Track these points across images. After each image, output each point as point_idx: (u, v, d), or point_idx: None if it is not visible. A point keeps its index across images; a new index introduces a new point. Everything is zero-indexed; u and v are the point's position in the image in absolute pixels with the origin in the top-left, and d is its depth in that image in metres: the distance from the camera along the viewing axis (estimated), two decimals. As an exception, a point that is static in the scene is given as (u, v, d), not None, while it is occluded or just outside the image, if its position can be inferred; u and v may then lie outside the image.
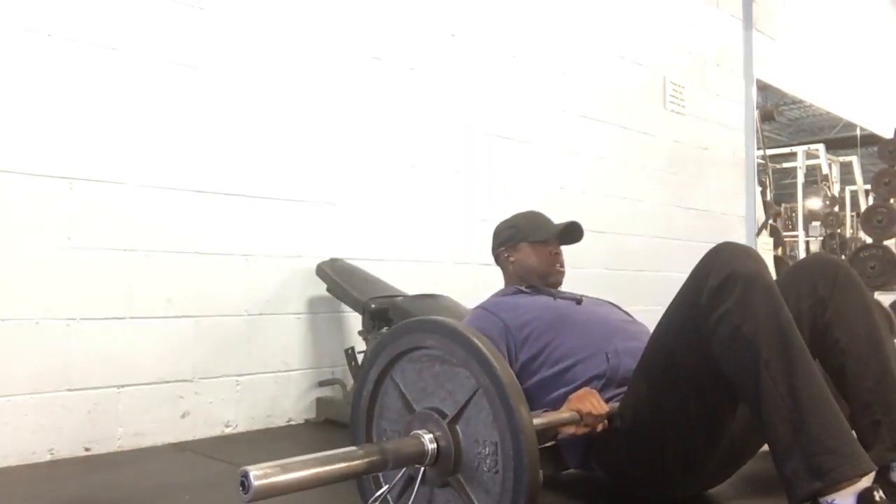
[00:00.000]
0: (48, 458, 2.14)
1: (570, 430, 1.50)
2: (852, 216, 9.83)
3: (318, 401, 2.77)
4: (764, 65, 5.46)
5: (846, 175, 9.94)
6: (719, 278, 1.39)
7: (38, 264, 2.16)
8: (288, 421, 2.70)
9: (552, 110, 3.82)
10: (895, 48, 7.92)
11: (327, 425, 2.69)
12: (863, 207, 7.67)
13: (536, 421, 1.34)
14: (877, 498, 1.23)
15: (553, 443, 1.60)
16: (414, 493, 1.30)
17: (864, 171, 9.54)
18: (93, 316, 2.25)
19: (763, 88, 5.99)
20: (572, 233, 2.05)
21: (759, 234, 5.39)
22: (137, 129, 2.36)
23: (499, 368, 1.25)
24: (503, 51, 3.59)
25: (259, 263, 2.64)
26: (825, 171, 9.35)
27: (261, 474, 1.08)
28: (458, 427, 1.29)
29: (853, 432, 1.33)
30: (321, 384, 2.77)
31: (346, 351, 2.65)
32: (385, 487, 1.35)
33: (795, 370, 1.31)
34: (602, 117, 4.10)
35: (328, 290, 2.71)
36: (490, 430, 1.25)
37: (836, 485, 1.25)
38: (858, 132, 8.91)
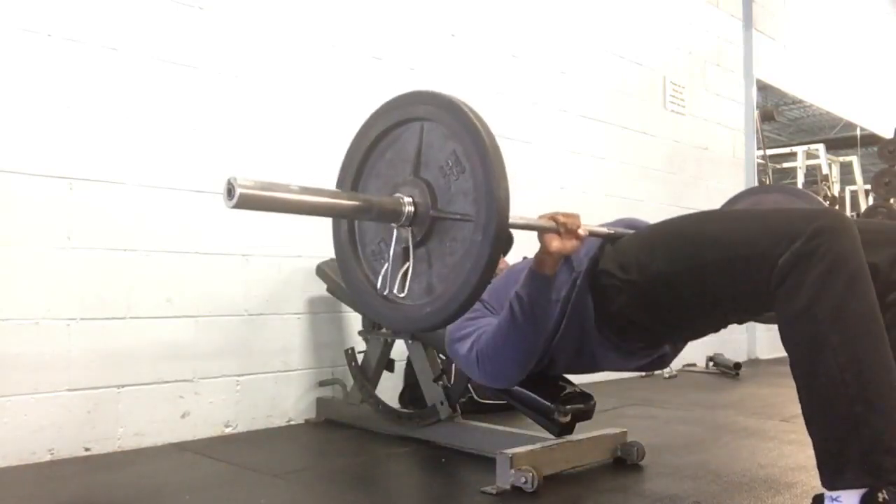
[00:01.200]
0: (48, 458, 2.14)
1: (556, 242, 1.50)
2: (852, 216, 9.82)
3: (318, 401, 2.77)
4: (764, 65, 5.47)
5: (846, 175, 9.94)
6: (809, 245, 1.30)
7: (38, 264, 2.16)
8: (288, 421, 2.70)
9: (552, 110, 3.82)
10: (895, 48, 7.92)
11: (327, 425, 2.69)
12: (863, 207, 7.68)
13: (516, 220, 1.39)
14: (880, 499, 1.23)
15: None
16: (412, 258, 1.35)
17: (864, 171, 9.54)
18: (93, 316, 2.25)
19: (763, 88, 6.00)
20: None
21: (759, 234, 5.39)
22: (137, 129, 2.36)
23: (431, 91, 1.36)
24: (503, 51, 3.59)
25: (259, 263, 2.64)
26: (825, 171, 9.34)
27: (247, 185, 1.11)
28: (421, 174, 1.37)
29: None
30: (321, 384, 2.77)
31: (346, 351, 2.65)
32: (386, 266, 1.40)
33: (868, 360, 1.27)
34: (602, 117, 4.10)
35: (328, 290, 2.71)
36: (446, 146, 1.34)
37: (889, 484, 1.22)
38: (858, 132, 8.91)
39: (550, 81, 3.82)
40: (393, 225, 1.36)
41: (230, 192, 1.10)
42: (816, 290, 1.29)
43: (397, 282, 1.37)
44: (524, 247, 1.78)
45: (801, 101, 7.70)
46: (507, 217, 1.29)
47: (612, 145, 4.15)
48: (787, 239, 1.34)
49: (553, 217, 1.52)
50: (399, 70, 3.10)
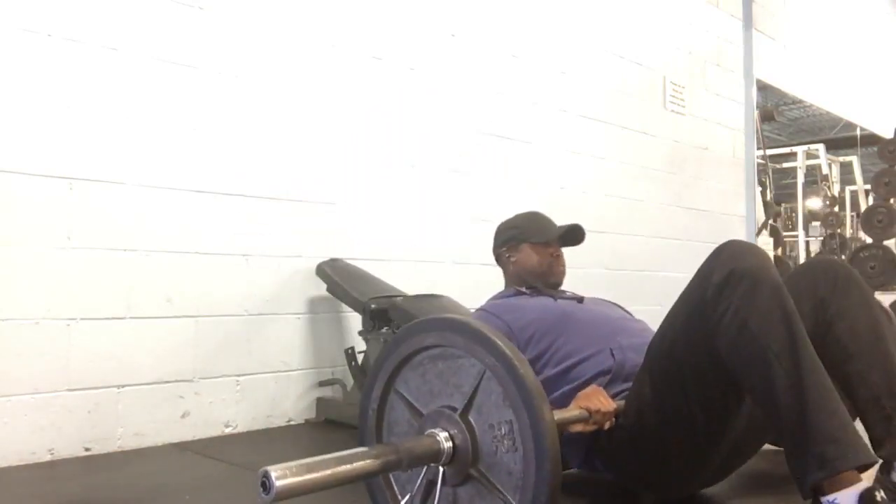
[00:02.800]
0: (48, 458, 2.14)
1: (579, 427, 1.50)
2: (852, 216, 9.84)
3: (318, 401, 2.77)
4: (764, 65, 5.47)
5: (846, 175, 9.95)
6: (723, 274, 1.39)
7: (38, 264, 2.16)
8: (288, 421, 2.70)
9: (552, 110, 3.82)
10: (895, 48, 7.92)
11: (327, 425, 2.69)
12: (863, 207, 7.68)
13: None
14: (878, 498, 1.23)
15: None
16: (437, 496, 1.28)
17: (864, 171, 9.55)
18: (93, 316, 2.25)
19: (763, 88, 5.99)
20: (574, 235, 2.05)
21: (759, 234, 5.40)
22: (137, 129, 2.36)
23: (502, 345, 1.24)
24: (503, 51, 3.58)
25: (259, 263, 2.64)
26: (825, 171, 9.35)
27: (282, 474, 1.07)
28: (470, 417, 1.27)
29: (854, 424, 1.33)
30: (321, 384, 2.77)
31: (346, 351, 2.65)
32: (407, 497, 1.34)
33: (802, 362, 1.31)
34: (602, 117, 4.10)
35: (328, 290, 2.71)
36: (502, 410, 1.24)
37: (837, 474, 1.25)
38: (858, 132, 8.91)
39: (550, 81, 3.82)
40: (437, 466, 1.28)
41: (265, 486, 1.06)
42: (746, 308, 1.36)
43: None
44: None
45: (801, 101, 7.71)
46: (518, 354, 1.25)
47: (612, 145, 4.15)
48: (705, 280, 1.42)
49: (590, 410, 1.50)
50: (399, 70, 3.10)
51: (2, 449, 2.06)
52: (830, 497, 1.27)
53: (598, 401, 1.52)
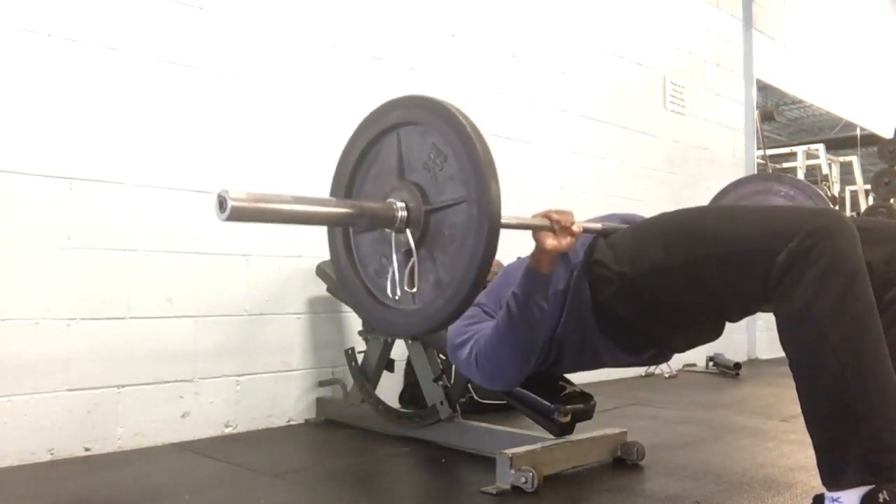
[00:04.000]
0: (48, 458, 2.14)
1: (551, 240, 1.51)
2: (852, 216, 9.81)
3: (318, 401, 2.77)
4: (764, 65, 5.47)
5: (846, 175, 9.94)
6: (806, 245, 1.30)
7: (38, 264, 2.16)
8: (288, 421, 2.70)
9: (552, 110, 3.82)
10: (895, 48, 7.92)
11: (327, 425, 2.69)
12: (863, 207, 7.68)
13: (509, 220, 1.40)
14: (881, 499, 1.23)
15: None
16: (415, 257, 1.36)
17: (864, 171, 9.54)
18: (93, 316, 2.25)
19: (763, 88, 5.99)
20: None
21: (759, 234, 5.38)
22: (137, 129, 2.36)
23: (396, 99, 1.38)
24: (503, 51, 3.58)
25: (259, 263, 2.64)
26: (825, 171, 9.34)
27: (239, 197, 1.13)
28: (406, 177, 1.39)
29: None
30: (321, 384, 2.77)
31: (346, 351, 2.65)
32: (390, 275, 1.39)
33: (868, 359, 1.27)
34: (602, 117, 4.10)
35: (328, 290, 2.71)
36: (424, 140, 1.37)
37: (890, 482, 1.23)
38: (858, 132, 8.91)
39: (550, 81, 3.82)
40: (390, 232, 1.37)
41: (222, 204, 1.11)
42: (815, 290, 1.29)
43: (405, 286, 1.37)
44: (520, 246, 1.78)
45: (801, 101, 7.70)
46: (496, 181, 1.30)
47: (612, 145, 4.15)
48: (784, 238, 1.34)
49: (547, 215, 1.53)
50: (399, 70, 3.10)
51: (2, 449, 2.06)
52: (834, 494, 1.27)
53: (558, 213, 1.53)
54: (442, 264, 1.33)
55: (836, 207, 9.35)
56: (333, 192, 1.57)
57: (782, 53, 5.76)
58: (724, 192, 2.29)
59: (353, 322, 2.80)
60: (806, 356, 1.32)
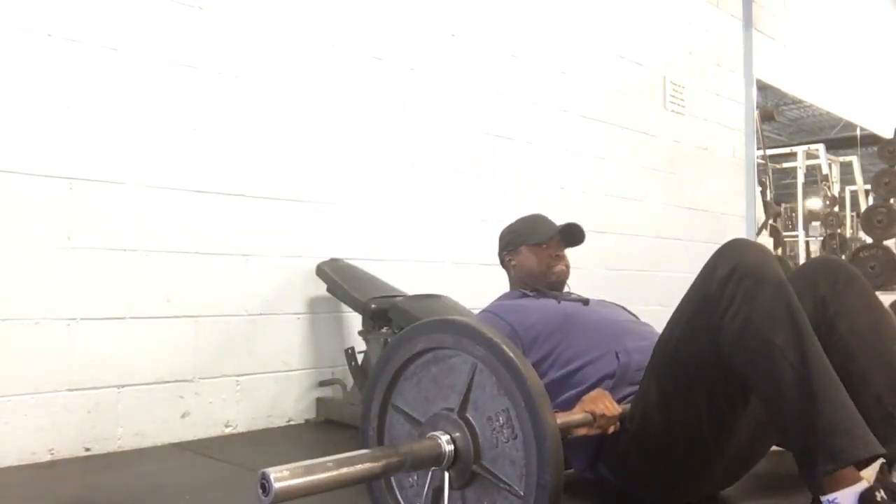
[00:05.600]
0: (48, 458, 2.14)
1: (583, 431, 1.49)
2: (852, 216, 9.84)
3: (318, 401, 2.76)
4: (764, 65, 5.47)
5: (846, 175, 9.94)
6: (727, 270, 1.40)
7: (38, 264, 2.16)
8: (288, 421, 2.70)
9: (552, 110, 3.82)
10: (895, 48, 7.92)
11: (327, 425, 2.69)
12: (863, 207, 7.67)
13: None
14: (878, 498, 1.23)
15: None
16: (446, 501, 1.27)
17: (864, 171, 9.54)
18: (93, 316, 2.25)
19: (763, 88, 6.00)
20: (572, 234, 2.05)
21: (759, 233, 5.40)
22: (137, 129, 2.36)
23: (488, 334, 1.24)
24: (503, 51, 3.58)
25: (259, 263, 2.64)
26: (825, 171, 9.35)
27: (281, 476, 1.06)
28: (468, 415, 1.27)
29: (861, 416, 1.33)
30: (321, 384, 2.77)
31: (346, 351, 2.65)
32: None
33: (809, 355, 1.31)
34: (602, 117, 4.10)
35: (328, 290, 2.71)
36: (498, 399, 1.24)
37: (848, 465, 1.26)
38: (858, 132, 8.92)
39: (550, 81, 3.82)
40: (440, 469, 1.28)
41: (265, 488, 1.05)
42: (749, 303, 1.36)
43: None
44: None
45: (801, 101, 7.72)
46: (520, 355, 1.24)
47: (612, 145, 4.15)
48: (709, 276, 1.43)
49: (595, 414, 1.49)
50: (399, 70, 3.10)
51: (2, 449, 2.06)
52: (830, 496, 1.27)
53: (603, 405, 1.51)
54: (511, 473, 1.23)
55: (836, 208, 9.36)
56: (374, 378, 1.45)
57: (782, 53, 5.76)
58: None
59: (353, 322, 2.80)
60: (762, 367, 1.35)
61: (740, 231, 5.12)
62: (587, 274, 3.41)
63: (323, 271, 2.72)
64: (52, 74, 2.20)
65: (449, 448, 1.26)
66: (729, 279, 1.39)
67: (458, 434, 1.27)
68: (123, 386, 2.31)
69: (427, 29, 3.24)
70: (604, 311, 1.92)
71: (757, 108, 5.58)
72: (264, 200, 2.66)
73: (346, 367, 2.67)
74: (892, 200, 5.41)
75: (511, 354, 1.22)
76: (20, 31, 2.14)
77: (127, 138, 2.34)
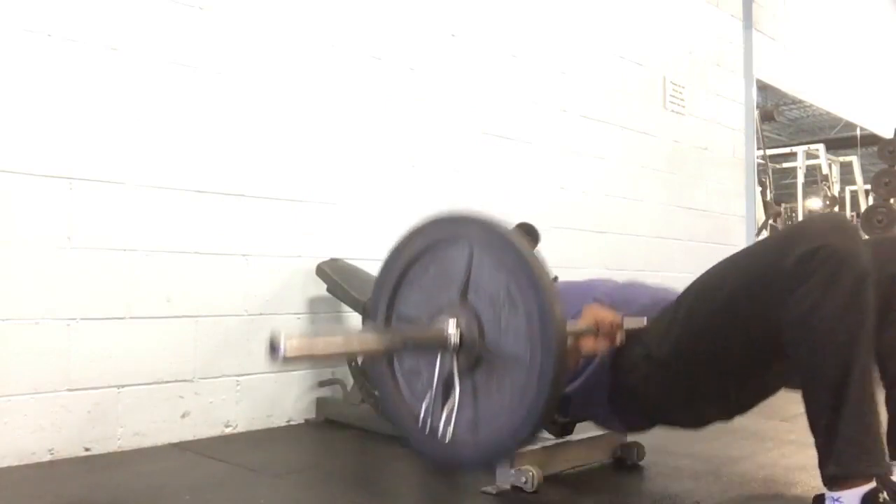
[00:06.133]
0: (48, 458, 2.14)
1: (589, 343, 1.49)
2: (852, 216, 9.83)
3: (318, 401, 2.76)
4: (764, 65, 5.47)
5: (846, 175, 9.94)
6: (811, 247, 1.32)
7: (38, 264, 2.16)
8: (288, 421, 2.70)
9: (552, 110, 3.82)
10: (895, 48, 7.92)
11: (327, 425, 2.69)
12: (863, 207, 7.68)
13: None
14: (881, 499, 1.23)
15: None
16: (457, 386, 1.28)
17: (864, 171, 9.54)
18: (93, 316, 2.25)
19: (763, 88, 6.00)
20: (527, 234, 2.05)
21: (758, 234, 5.40)
22: (137, 129, 2.36)
23: (480, 216, 1.27)
24: (503, 51, 3.58)
25: (259, 263, 2.64)
26: (825, 171, 9.35)
27: (291, 340, 1.12)
28: (469, 298, 1.29)
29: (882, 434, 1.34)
30: (321, 384, 2.77)
31: (346, 351, 2.65)
32: (427, 396, 1.33)
33: (855, 359, 1.30)
34: (602, 117, 4.10)
35: (328, 290, 2.71)
36: (497, 276, 1.26)
37: (851, 478, 1.27)
38: (858, 132, 8.92)
39: (550, 81, 3.82)
40: (444, 354, 1.29)
41: (274, 348, 1.10)
42: (822, 290, 1.30)
43: (443, 416, 1.30)
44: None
45: (801, 101, 7.72)
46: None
47: (612, 145, 4.15)
48: (788, 247, 1.36)
49: (596, 320, 1.50)
50: (399, 70, 3.10)
51: (2, 449, 2.06)
52: (835, 495, 1.28)
53: (603, 312, 1.50)
54: (483, 409, 1.27)
55: (836, 208, 9.37)
56: (378, 287, 1.47)
57: (782, 53, 5.76)
58: None
59: (353, 322, 2.80)
60: (814, 357, 1.34)
61: (740, 231, 5.12)
62: (587, 274, 3.40)
63: (323, 271, 2.72)
64: (52, 74, 2.20)
65: (455, 336, 1.27)
66: (811, 258, 1.31)
67: (462, 318, 1.28)
68: (123, 386, 2.31)
69: (427, 29, 3.24)
70: (578, 281, 1.94)
71: (757, 108, 5.58)
72: (264, 200, 2.66)
73: (346, 367, 2.67)
74: (892, 200, 5.41)
75: (504, 229, 1.26)
76: (20, 31, 2.14)
77: (127, 138, 2.34)
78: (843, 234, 1.34)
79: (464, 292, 1.30)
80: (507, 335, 1.26)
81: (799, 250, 1.33)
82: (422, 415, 1.36)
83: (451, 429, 1.30)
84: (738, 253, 1.54)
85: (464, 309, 1.29)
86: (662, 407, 1.65)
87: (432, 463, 1.53)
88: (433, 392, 1.32)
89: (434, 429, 1.37)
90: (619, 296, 1.72)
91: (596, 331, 1.49)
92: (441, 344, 1.28)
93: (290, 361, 1.13)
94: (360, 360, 2.63)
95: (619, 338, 1.52)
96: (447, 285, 1.34)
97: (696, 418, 1.70)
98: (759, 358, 1.51)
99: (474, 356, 1.28)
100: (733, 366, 1.52)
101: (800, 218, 9.21)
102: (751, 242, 5.01)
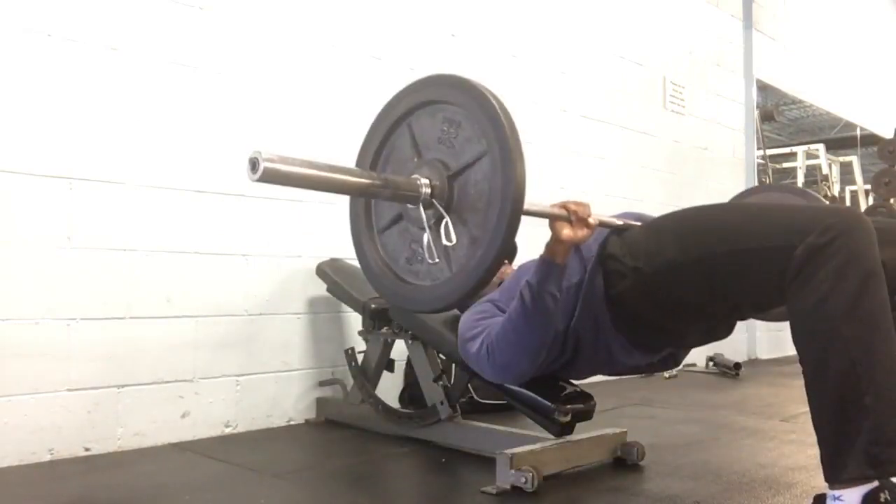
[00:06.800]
0: (48, 458, 2.14)
1: (567, 230, 1.53)
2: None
3: (318, 401, 2.77)
4: (764, 65, 5.47)
5: (846, 175, 9.94)
6: (823, 239, 1.31)
7: (38, 264, 2.16)
8: (288, 421, 2.70)
9: (552, 110, 3.82)
10: (895, 48, 7.92)
11: (327, 425, 2.69)
12: (863, 207, 7.67)
13: (527, 207, 1.44)
14: (882, 499, 1.23)
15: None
16: (427, 238, 1.39)
17: (864, 171, 9.54)
18: (93, 316, 2.25)
19: (763, 88, 6.00)
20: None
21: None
22: (137, 130, 2.36)
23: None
24: (503, 51, 3.58)
25: (259, 263, 2.64)
26: (825, 171, 9.34)
27: (270, 158, 1.18)
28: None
29: None
30: (321, 384, 2.77)
31: (346, 351, 2.65)
32: (427, 237, 1.41)
33: (879, 355, 1.28)
34: (602, 117, 4.10)
35: (328, 290, 2.71)
36: (435, 117, 1.41)
37: (889, 477, 1.24)
38: (858, 132, 8.91)
39: (550, 81, 3.82)
40: (415, 209, 1.40)
41: (254, 165, 1.15)
42: (831, 285, 1.30)
43: (440, 255, 1.40)
44: (531, 245, 1.79)
45: (801, 101, 7.70)
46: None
47: (612, 145, 4.15)
48: (802, 233, 1.35)
49: (564, 205, 1.54)
50: (399, 70, 3.10)
51: (2, 449, 2.06)
52: (836, 493, 1.28)
53: (577, 204, 1.55)
54: (474, 223, 1.36)
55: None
56: (370, 130, 1.64)
57: (782, 53, 5.76)
58: (742, 196, 2.31)
59: (353, 322, 2.80)
60: (817, 350, 1.33)
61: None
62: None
63: (323, 271, 2.73)
64: (52, 74, 2.20)
65: (426, 187, 1.39)
66: (820, 250, 1.31)
67: (424, 168, 1.41)
68: (123, 386, 2.31)
69: (427, 29, 3.24)
70: None
71: (757, 108, 5.58)
72: (264, 200, 2.66)
73: (346, 367, 2.67)
74: (892, 200, 5.41)
75: (417, 80, 1.43)
76: (21, 31, 2.14)
77: (127, 138, 2.34)
78: (858, 230, 1.32)
79: (418, 155, 1.44)
80: (464, 149, 1.38)
81: (811, 240, 1.32)
82: (427, 259, 1.43)
83: (453, 260, 1.40)
84: (750, 204, 1.55)
85: (423, 164, 1.42)
86: (638, 317, 1.66)
87: (388, 298, 1.67)
88: (429, 240, 1.42)
89: (395, 270, 1.49)
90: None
91: (567, 215, 1.54)
92: (416, 196, 1.38)
93: (268, 181, 1.17)
94: (359, 360, 2.64)
95: (594, 221, 1.56)
96: (406, 163, 1.47)
97: (660, 336, 1.71)
98: (747, 303, 1.57)
99: (448, 190, 1.39)
100: (719, 305, 1.57)
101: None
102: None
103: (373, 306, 2.54)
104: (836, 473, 1.29)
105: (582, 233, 1.54)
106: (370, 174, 1.40)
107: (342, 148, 2.90)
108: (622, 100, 4.24)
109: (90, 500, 1.84)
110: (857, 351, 1.28)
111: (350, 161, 2.93)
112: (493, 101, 1.36)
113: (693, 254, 1.53)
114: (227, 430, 2.54)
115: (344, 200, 2.87)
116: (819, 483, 1.35)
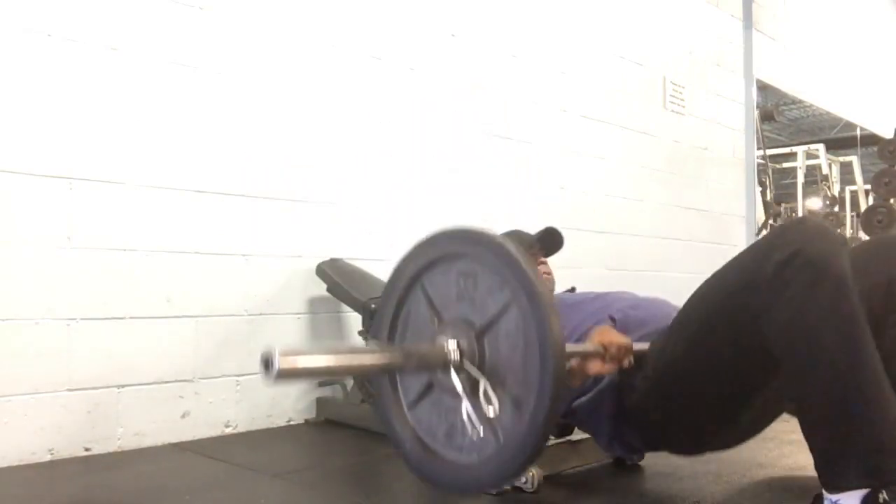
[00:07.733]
0: (48, 458, 2.14)
1: (597, 366, 1.49)
2: (852, 216, 9.84)
3: (318, 401, 2.76)
4: (764, 65, 5.47)
5: (846, 175, 9.94)
6: (787, 253, 1.29)
7: (38, 264, 2.16)
8: (288, 421, 2.70)
9: (552, 110, 3.82)
10: (895, 48, 7.92)
11: (327, 425, 2.69)
12: (863, 207, 7.68)
13: (569, 351, 1.35)
14: (881, 500, 1.23)
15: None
16: (465, 408, 1.28)
17: (864, 171, 9.54)
18: (93, 316, 2.25)
19: (763, 88, 6.00)
20: (552, 241, 2.04)
21: (758, 233, 5.40)
22: (137, 129, 2.36)
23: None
24: (503, 51, 3.58)
25: (259, 263, 2.64)
26: (825, 171, 9.35)
27: (286, 354, 1.06)
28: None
29: None
30: (321, 384, 2.77)
31: (347, 351, 2.65)
32: (466, 406, 1.30)
33: (860, 363, 1.26)
34: (602, 117, 4.10)
35: (328, 290, 2.71)
36: (448, 274, 1.31)
37: (889, 485, 1.23)
38: (858, 132, 8.91)
39: (550, 81, 3.82)
40: (447, 374, 1.29)
41: (267, 363, 1.05)
42: (804, 298, 1.28)
43: (488, 423, 1.28)
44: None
45: (801, 101, 7.72)
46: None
47: (612, 145, 4.15)
48: (767, 254, 1.34)
49: (604, 344, 1.49)
50: (399, 70, 3.10)
51: (2, 449, 2.06)
52: (834, 497, 1.27)
53: (612, 335, 1.50)
54: (513, 382, 1.25)
55: (836, 208, 9.36)
56: (384, 295, 1.52)
57: (782, 53, 5.76)
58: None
59: (353, 322, 2.80)
60: (801, 363, 1.31)
61: (740, 231, 5.12)
62: (587, 274, 3.41)
63: (323, 271, 2.72)
64: (52, 74, 2.20)
65: (454, 351, 1.28)
66: (787, 264, 1.29)
67: (448, 329, 1.30)
68: (123, 386, 2.31)
69: (427, 29, 3.24)
70: (591, 293, 1.94)
71: (757, 108, 5.58)
72: (264, 200, 2.66)
73: (346, 367, 2.67)
74: (892, 200, 5.42)
75: (425, 238, 1.33)
76: (21, 31, 2.14)
77: (127, 138, 2.34)
78: (818, 238, 1.31)
79: (439, 317, 1.32)
80: (487, 302, 1.27)
81: (776, 258, 1.31)
82: (469, 435, 1.31)
83: (498, 428, 1.28)
84: (725, 265, 1.52)
85: (446, 326, 1.30)
86: (661, 427, 1.63)
87: (434, 484, 1.52)
88: (468, 410, 1.30)
89: (434, 448, 1.36)
90: (635, 316, 1.70)
91: (604, 353, 1.48)
92: (445, 361, 1.27)
93: (285, 378, 1.05)
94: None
95: (627, 361, 1.51)
96: (426, 327, 1.34)
97: (694, 441, 1.67)
98: (753, 374, 1.48)
99: (478, 346, 1.28)
100: (729, 385, 1.50)
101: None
102: (751, 242, 5.01)
103: (373, 306, 2.53)
104: (834, 483, 1.28)
105: (609, 368, 1.50)
106: (391, 348, 1.30)
107: (342, 148, 2.91)
108: (622, 100, 4.24)
109: (90, 500, 1.84)
110: (841, 359, 1.27)
111: (351, 161, 2.96)
112: (506, 245, 1.26)
113: (682, 338, 1.52)
114: (227, 430, 2.54)
115: (344, 200, 2.89)
116: (819, 483, 1.34)
